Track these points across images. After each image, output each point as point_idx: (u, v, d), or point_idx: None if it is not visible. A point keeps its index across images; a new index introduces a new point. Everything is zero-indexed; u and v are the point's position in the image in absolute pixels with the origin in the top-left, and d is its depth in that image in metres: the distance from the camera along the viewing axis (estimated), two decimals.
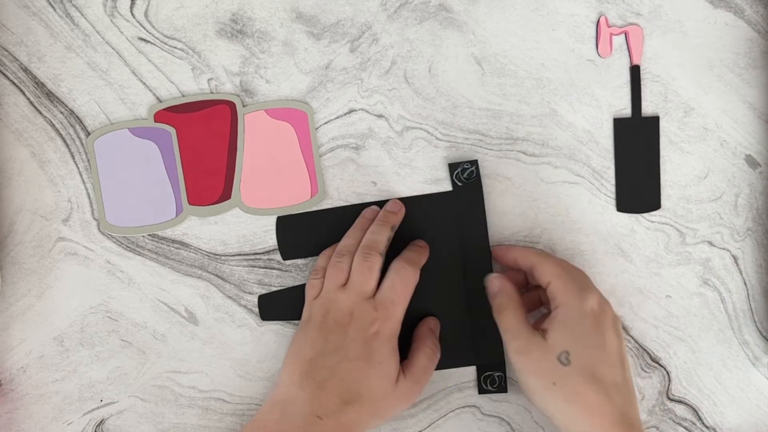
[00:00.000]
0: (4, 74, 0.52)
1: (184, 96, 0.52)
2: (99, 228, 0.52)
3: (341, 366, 0.45)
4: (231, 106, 0.52)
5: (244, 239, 0.52)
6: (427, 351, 0.49)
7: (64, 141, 0.52)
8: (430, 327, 0.51)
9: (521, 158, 0.53)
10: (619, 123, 0.53)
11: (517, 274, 0.51)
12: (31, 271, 0.52)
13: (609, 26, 0.53)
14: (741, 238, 0.53)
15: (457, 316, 0.52)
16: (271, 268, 0.53)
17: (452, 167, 0.52)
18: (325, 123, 0.52)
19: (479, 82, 0.53)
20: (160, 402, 0.52)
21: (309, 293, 0.50)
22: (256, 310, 0.52)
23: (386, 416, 0.47)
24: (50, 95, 0.52)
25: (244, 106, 0.52)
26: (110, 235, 0.52)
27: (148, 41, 0.52)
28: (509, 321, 0.46)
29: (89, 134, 0.52)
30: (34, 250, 0.52)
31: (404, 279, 0.47)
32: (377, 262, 0.47)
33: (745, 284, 0.53)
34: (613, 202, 0.53)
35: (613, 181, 0.53)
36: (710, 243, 0.53)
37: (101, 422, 0.52)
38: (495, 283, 0.48)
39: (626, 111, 0.53)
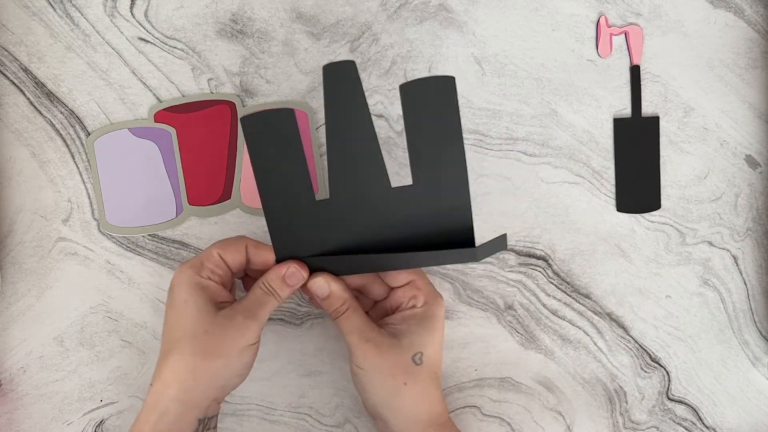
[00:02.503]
0: (4, 74, 0.52)
1: (184, 96, 0.52)
2: (99, 228, 0.52)
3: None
4: (231, 106, 0.52)
5: None
6: (261, 284, 0.43)
7: (64, 141, 0.52)
8: (279, 273, 0.43)
9: (521, 158, 0.53)
10: (619, 123, 0.53)
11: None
12: (31, 271, 0.52)
13: (609, 26, 0.53)
14: (741, 238, 0.53)
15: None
16: None
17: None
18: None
19: (479, 82, 0.53)
20: None
21: None
22: None
23: (215, 352, 0.41)
24: (50, 95, 0.52)
25: (244, 106, 0.52)
26: (110, 235, 0.52)
27: (148, 41, 0.52)
28: (354, 322, 0.42)
29: (89, 134, 0.52)
30: (34, 250, 0.52)
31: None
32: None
33: (745, 284, 0.53)
34: (613, 202, 0.53)
35: (613, 181, 0.53)
36: (710, 243, 0.53)
37: (101, 422, 0.52)
38: (322, 286, 0.42)
39: (626, 111, 0.53)
